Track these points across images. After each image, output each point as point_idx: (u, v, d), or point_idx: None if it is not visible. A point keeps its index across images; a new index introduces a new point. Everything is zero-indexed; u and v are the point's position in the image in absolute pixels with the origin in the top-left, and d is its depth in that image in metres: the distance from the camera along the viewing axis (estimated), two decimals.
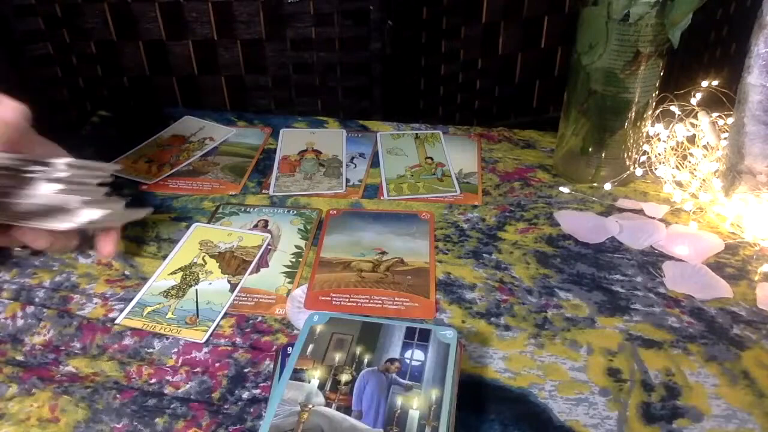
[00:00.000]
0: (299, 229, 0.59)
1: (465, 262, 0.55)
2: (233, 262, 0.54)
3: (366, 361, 0.38)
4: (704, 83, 0.64)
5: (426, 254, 0.56)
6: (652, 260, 0.55)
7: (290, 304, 0.50)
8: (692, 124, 0.65)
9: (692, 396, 0.43)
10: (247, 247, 0.56)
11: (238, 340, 0.47)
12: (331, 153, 0.71)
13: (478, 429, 0.40)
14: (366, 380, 0.37)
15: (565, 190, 0.65)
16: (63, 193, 0.44)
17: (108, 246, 0.49)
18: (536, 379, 0.44)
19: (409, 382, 0.37)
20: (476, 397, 0.42)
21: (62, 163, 0.45)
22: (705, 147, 0.64)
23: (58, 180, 0.44)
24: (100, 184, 0.49)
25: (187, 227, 0.58)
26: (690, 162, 0.65)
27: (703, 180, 0.63)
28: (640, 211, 0.62)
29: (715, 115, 0.64)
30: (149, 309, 0.49)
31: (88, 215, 0.45)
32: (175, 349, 0.46)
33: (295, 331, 0.48)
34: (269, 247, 0.56)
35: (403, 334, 0.40)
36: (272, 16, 1.25)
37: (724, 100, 0.62)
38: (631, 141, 0.63)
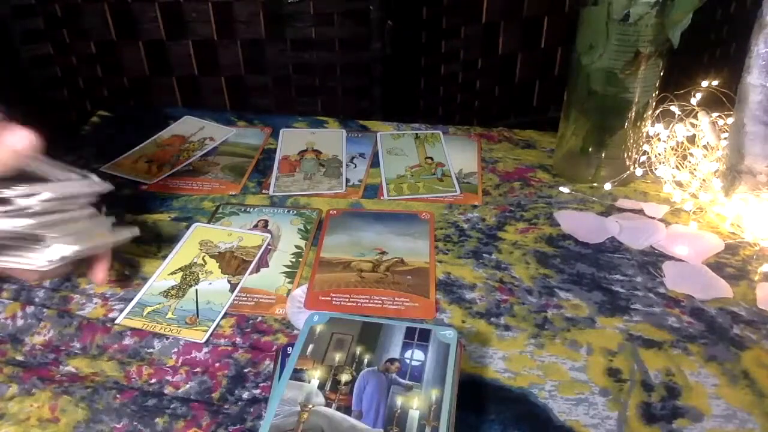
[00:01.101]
0: (299, 229, 0.59)
1: (465, 262, 0.55)
2: (233, 262, 0.54)
3: (366, 361, 0.38)
4: (704, 83, 0.64)
5: (426, 254, 0.56)
6: (652, 260, 0.55)
7: (290, 304, 0.50)
8: (692, 124, 0.65)
9: (692, 396, 0.43)
10: (247, 247, 0.56)
11: (238, 340, 0.47)
12: (331, 153, 0.71)
13: (478, 429, 0.40)
14: (366, 380, 0.37)
15: (565, 190, 0.65)
16: (35, 228, 0.41)
17: (99, 274, 0.48)
18: (536, 379, 0.44)
19: (409, 382, 0.37)
20: (476, 397, 0.42)
21: (36, 201, 0.41)
22: (705, 147, 0.64)
23: (31, 214, 0.41)
24: (92, 203, 0.46)
25: (187, 227, 0.58)
26: (690, 162, 0.64)
27: (703, 180, 0.63)
28: (640, 211, 0.62)
29: (715, 115, 0.64)
30: (149, 309, 0.49)
31: (58, 252, 0.42)
32: (175, 349, 0.46)
33: (295, 331, 0.48)
34: (269, 247, 0.56)
35: (403, 334, 0.40)
36: (272, 16, 1.25)
37: (724, 100, 0.62)
38: (631, 141, 0.63)
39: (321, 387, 0.37)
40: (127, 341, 0.46)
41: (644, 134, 0.65)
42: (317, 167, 0.69)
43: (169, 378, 0.44)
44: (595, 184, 0.65)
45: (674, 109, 0.64)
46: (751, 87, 0.56)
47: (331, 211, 0.61)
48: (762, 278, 0.53)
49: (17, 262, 0.42)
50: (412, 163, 0.70)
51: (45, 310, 0.48)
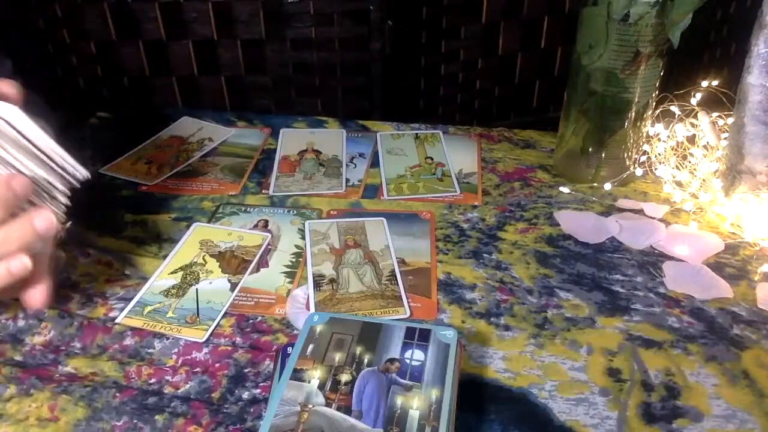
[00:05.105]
0: (299, 229, 0.59)
1: (465, 262, 0.55)
2: (233, 262, 0.54)
3: (366, 361, 0.38)
4: (704, 83, 0.64)
5: (427, 254, 0.56)
6: (652, 260, 0.55)
7: (290, 304, 0.50)
8: (692, 124, 0.65)
9: (692, 396, 0.43)
10: (248, 246, 0.56)
11: (238, 339, 0.47)
12: (331, 153, 0.71)
13: (478, 429, 0.40)
14: (366, 380, 0.37)
15: (565, 190, 0.65)
16: None
17: (36, 297, 0.42)
18: (536, 379, 0.44)
19: (409, 382, 0.37)
20: (476, 397, 0.42)
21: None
22: (705, 147, 0.64)
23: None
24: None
25: (188, 227, 0.58)
26: (690, 162, 0.64)
27: (703, 180, 0.63)
28: (640, 211, 0.62)
29: (715, 115, 0.64)
30: (149, 308, 0.49)
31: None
32: (175, 350, 0.46)
33: (295, 331, 0.48)
34: (269, 246, 0.56)
35: (403, 334, 0.40)
36: (272, 16, 1.25)
37: (724, 100, 0.62)
38: (631, 141, 0.63)
39: (321, 387, 0.37)
40: (128, 341, 0.46)
41: (644, 134, 0.65)
42: (317, 167, 0.69)
43: (168, 378, 0.44)
44: (595, 184, 0.65)
45: (674, 109, 0.64)
46: (751, 87, 0.56)
47: (331, 211, 0.61)
48: (762, 278, 0.53)
49: None
50: (412, 163, 0.70)
51: (45, 310, 0.48)
